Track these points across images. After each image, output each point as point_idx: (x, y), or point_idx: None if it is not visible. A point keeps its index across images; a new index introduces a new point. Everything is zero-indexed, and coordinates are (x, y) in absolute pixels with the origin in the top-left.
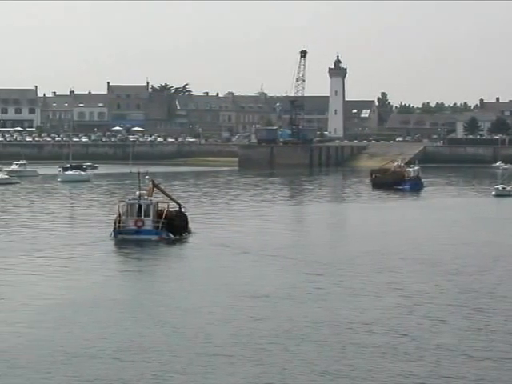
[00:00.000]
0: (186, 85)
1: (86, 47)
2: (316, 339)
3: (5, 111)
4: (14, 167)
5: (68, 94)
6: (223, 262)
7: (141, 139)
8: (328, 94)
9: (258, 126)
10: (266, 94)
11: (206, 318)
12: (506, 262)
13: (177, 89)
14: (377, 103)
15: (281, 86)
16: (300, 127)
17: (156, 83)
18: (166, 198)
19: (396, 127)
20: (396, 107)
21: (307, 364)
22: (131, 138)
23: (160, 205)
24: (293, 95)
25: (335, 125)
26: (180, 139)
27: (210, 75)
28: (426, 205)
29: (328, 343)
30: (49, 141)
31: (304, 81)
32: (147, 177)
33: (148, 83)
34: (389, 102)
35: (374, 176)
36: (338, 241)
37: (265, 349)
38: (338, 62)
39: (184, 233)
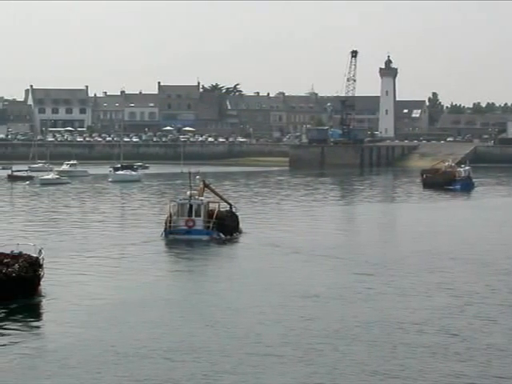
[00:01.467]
0: (237, 85)
1: (137, 47)
2: (366, 339)
3: (56, 111)
4: (64, 167)
5: (119, 93)
6: (274, 262)
7: (191, 139)
8: (379, 94)
9: (308, 126)
10: (316, 93)
11: (257, 318)
12: None
13: (228, 89)
14: (427, 103)
15: (332, 86)
16: (351, 127)
17: (207, 83)
18: (217, 197)
19: (447, 127)
20: (447, 107)
21: (357, 364)
22: (182, 138)
23: (211, 205)
24: (344, 95)
25: (386, 125)
26: (231, 139)
27: (261, 75)
28: (476, 205)
29: (378, 343)
30: (99, 141)
31: (355, 81)
32: (198, 177)
33: (199, 83)
34: (439, 102)
35: (424, 176)
36: (389, 241)
37: (315, 349)
38: (388, 61)
39: (235, 233)
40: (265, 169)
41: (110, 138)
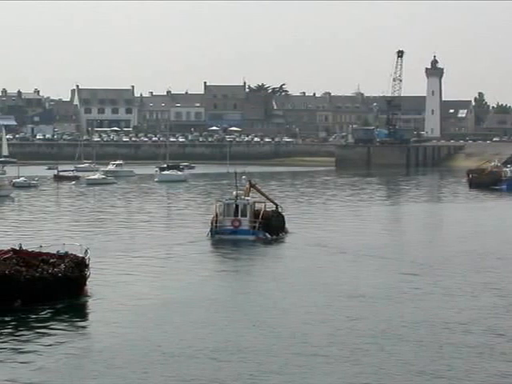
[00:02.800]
0: (283, 85)
1: (183, 47)
2: (413, 339)
3: (102, 111)
4: (110, 167)
5: (165, 93)
6: (320, 262)
7: (238, 139)
8: (425, 94)
9: (354, 126)
10: (362, 93)
11: (303, 318)
12: None
13: (274, 89)
14: (473, 103)
15: (378, 86)
16: (397, 127)
17: (253, 83)
18: (263, 197)
19: (493, 127)
20: (493, 107)
21: (404, 364)
22: (228, 138)
23: (257, 205)
24: (390, 95)
25: (432, 125)
26: (277, 139)
27: (307, 75)
28: None
29: (424, 343)
30: (145, 141)
31: (401, 81)
32: (244, 177)
33: (245, 83)
34: (485, 102)
35: (470, 176)
36: (435, 241)
37: (361, 349)
38: (434, 61)
39: (281, 233)
40: (311, 169)
41: (156, 138)
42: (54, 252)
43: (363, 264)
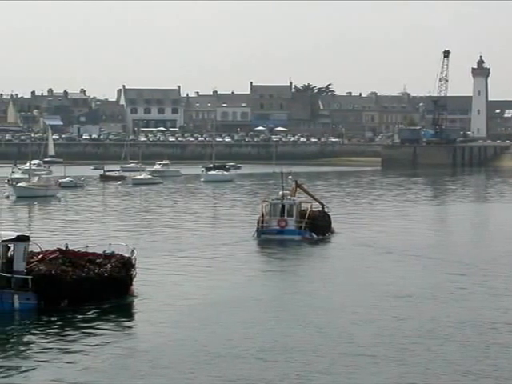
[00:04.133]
0: (329, 85)
1: (229, 47)
2: (459, 339)
3: (148, 111)
4: (156, 167)
5: (211, 93)
6: (366, 262)
7: (284, 139)
8: (471, 94)
9: (401, 125)
10: (409, 93)
11: (350, 318)
12: None
13: (320, 89)
14: None
15: (424, 86)
16: (443, 127)
17: (299, 83)
18: (309, 197)
19: None
20: None
21: (450, 364)
22: (274, 138)
23: (303, 205)
24: (436, 95)
25: (478, 125)
26: (323, 139)
27: (353, 75)
28: None
29: (471, 343)
30: (192, 141)
31: (447, 81)
32: (290, 177)
33: (291, 83)
34: None
35: None
36: (481, 241)
37: (408, 349)
38: (481, 61)
39: (327, 233)
40: (357, 169)
41: (202, 138)
42: (101, 252)
43: (409, 264)
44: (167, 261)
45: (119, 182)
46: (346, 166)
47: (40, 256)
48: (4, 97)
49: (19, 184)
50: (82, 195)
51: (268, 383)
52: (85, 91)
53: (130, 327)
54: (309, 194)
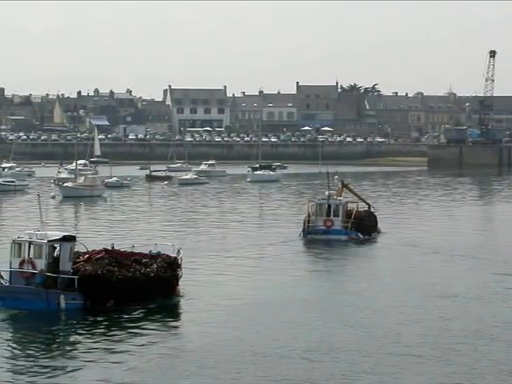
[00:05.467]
0: (376, 85)
1: (275, 47)
2: (505, 339)
3: (194, 111)
4: (203, 167)
5: (257, 93)
6: (412, 262)
7: (330, 139)
8: None
9: (447, 125)
10: (455, 93)
11: (396, 318)
12: None
13: (366, 89)
14: None
15: (470, 86)
16: (489, 127)
17: (345, 83)
18: (356, 197)
19: None
20: None
21: (496, 364)
22: (320, 138)
23: (349, 205)
24: (482, 95)
25: None
26: (369, 139)
27: (399, 75)
28: None
29: None
30: (238, 141)
31: (493, 81)
32: (336, 177)
33: (337, 83)
34: None
35: None
36: None
37: (454, 349)
38: None
39: (373, 233)
40: (403, 169)
41: (248, 138)
42: (147, 252)
43: (455, 264)
44: (213, 261)
45: (165, 182)
46: (392, 166)
47: (86, 256)
48: (50, 97)
49: (65, 184)
50: (128, 195)
51: (314, 383)
52: (131, 91)
53: (176, 327)
54: (355, 194)
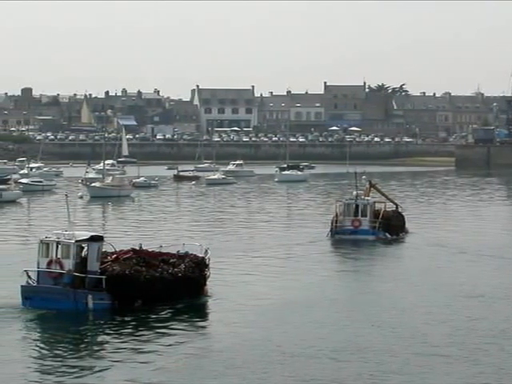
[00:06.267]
0: (403, 85)
1: (303, 47)
2: None
3: (222, 111)
4: (230, 167)
5: (285, 93)
6: (440, 262)
7: (358, 139)
8: None
9: (474, 126)
10: (482, 93)
11: (423, 318)
12: None
13: (394, 89)
14: None
15: (498, 86)
16: None
17: (373, 83)
18: (383, 197)
19: None
20: None
21: None
22: (348, 138)
23: (377, 205)
24: (510, 95)
25: None
26: (397, 139)
27: (427, 75)
28: None
29: None
30: (265, 141)
31: None
32: (364, 177)
33: (365, 83)
34: None
35: None
36: None
37: (481, 349)
38: None
39: (401, 233)
40: (431, 169)
41: (275, 138)
42: (174, 252)
43: (483, 264)
44: (241, 261)
45: (193, 182)
46: (420, 166)
47: (114, 256)
48: (78, 97)
49: (93, 184)
50: (156, 195)
51: (341, 383)
52: (159, 91)
53: (203, 327)
54: (383, 194)
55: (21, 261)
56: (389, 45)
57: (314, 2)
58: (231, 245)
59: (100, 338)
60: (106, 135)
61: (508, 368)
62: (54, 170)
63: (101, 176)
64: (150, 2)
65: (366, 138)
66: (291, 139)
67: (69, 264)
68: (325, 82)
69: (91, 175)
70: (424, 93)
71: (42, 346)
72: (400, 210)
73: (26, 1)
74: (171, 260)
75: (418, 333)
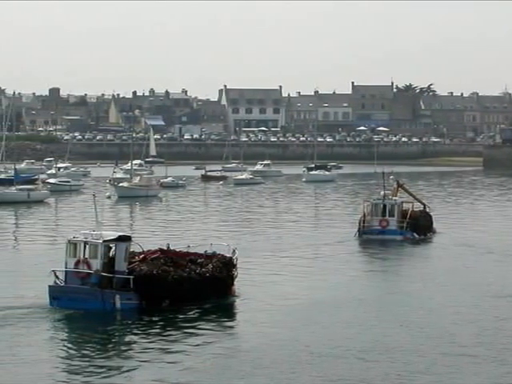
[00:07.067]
0: (431, 85)
1: (330, 47)
2: None
3: (249, 111)
4: (258, 167)
5: (312, 93)
6: (467, 262)
7: (385, 139)
8: None
9: (502, 125)
10: (510, 93)
11: (451, 318)
12: None
13: (421, 89)
14: None
15: None
16: None
17: (400, 83)
18: (411, 197)
19: None
20: None
21: None
22: (376, 138)
23: (405, 205)
24: None
25: None
26: (424, 139)
27: (455, 75)
28: None
29: None
30: (293, 141)
31: None
32: (392, 177)
33: (392, 83)
34: None
35: None
36: None
37: (509, 349)
38: None
39: (428, 233)
40: (458, 169)
41: (303, 138)
42: (202, 252)
43: (510, 264)
44: (268, 261)
45: (221, 182)
46: (448, 166)
47: (142, 256)
48: (106, 97)
49: (121, 184)
50: (184, 195)
51: (369, 383)
52: (186, 91)
53: (231, 327)
54: (410, 194)
55: (48, 261)
56: (416, 44)
57: (342, 2)
58: (259, 245)
59: (127, 338)
60: (134, 135)
61: None
62: (81, 170)
63: (128, 176)
64: (177, 1)
65: (394, 138)
66: (319, 139)
67: (96, 264)
68: (352, 82)
69: (119, 175)
70: (452, 93)
71: (69, 346)
72: (428, 209)
73: (55, 1)
74: (199, 260)
75: (445, 333)
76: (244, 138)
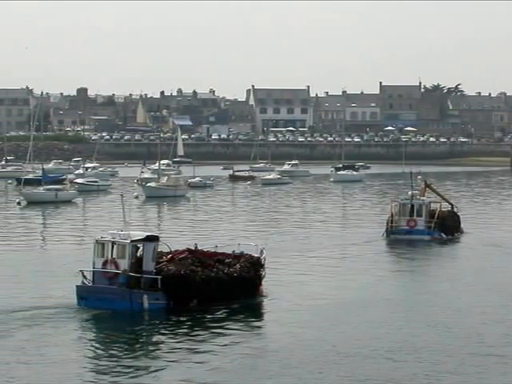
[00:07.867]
0: (459, 85)
1: (358, 47)
2: None
3: (277, 111)
4: (286, 167)
5: (340, 93)
6: (495, 262)
7: (413, 139)
8: None
9: None
10: None
11: (479, 318)
12: None
13: (449, 89)
14: None
15: None
16: None
17: (428, 83)
18: (439, 197)
19: None
20: None
21: None
22: (403, 137)
23: (432, 205)
24: None
25: None
26: (452, 139)
27: (483, 75)
28: None
29: None
30: (321, 141)
31: None
32: (420, 177)
33: (420, 83)
34: None
35: None
36: None
37: None
38: None
39: (456, 233)
40: (486, 169)
41: (331, 138)
42: (230, 252)
43: None
44: (296, 261)
45: (248, 182)
46: (475, 165)
47: (169, 256)
48: (133, 97)
49: (148, 184)
50: (211, 195)
51: (397, 383)
52: (214, 91)
53: (259, 327)
54: (438, 194)
55: (76, 261)
56: (444, 45)
57: (370, 2)
58: (287, 245)
59: (155, 338)
60: (162, 135)
61: None
62: (109, 170)
63: (156, 176)
64: (205, 2)
65: (422, 138)
66: (346, 139)
67: (124, 264)
68: (380, 82)
69: (147, 175)
70: (479, 93)
71: (97, 346)
72: (455, 209)
73: (81, 1)
74: (226, 260)
75: (473, 333)
76: (272, 138)
